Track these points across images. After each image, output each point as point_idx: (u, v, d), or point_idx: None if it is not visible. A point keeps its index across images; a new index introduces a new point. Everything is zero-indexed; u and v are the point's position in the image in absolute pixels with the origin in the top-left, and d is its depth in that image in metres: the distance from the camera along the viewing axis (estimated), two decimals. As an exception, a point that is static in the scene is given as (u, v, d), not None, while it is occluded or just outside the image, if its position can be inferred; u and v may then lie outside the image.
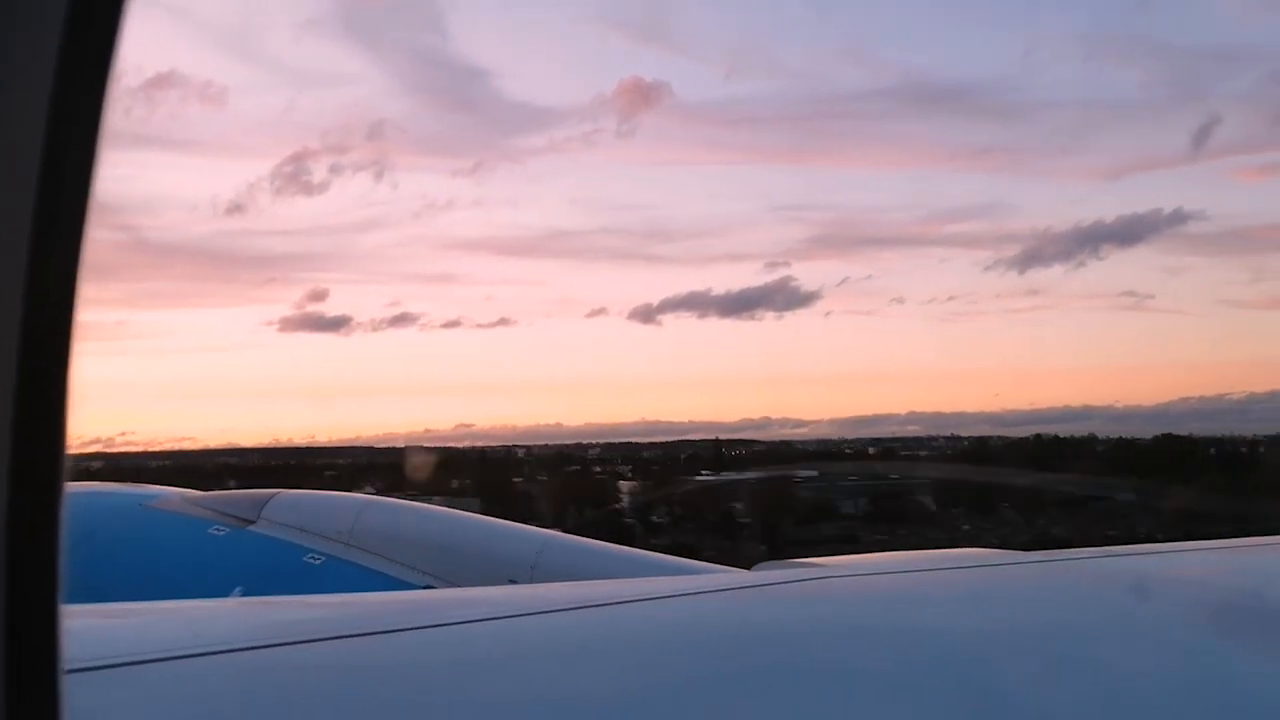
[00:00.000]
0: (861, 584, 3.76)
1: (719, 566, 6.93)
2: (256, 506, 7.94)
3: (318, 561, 7.30)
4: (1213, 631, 3.18)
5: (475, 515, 8.37)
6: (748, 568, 5.00)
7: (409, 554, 7.22)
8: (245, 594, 6.54)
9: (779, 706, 2.41)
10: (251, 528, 7.79)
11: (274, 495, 8.11)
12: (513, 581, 6.68)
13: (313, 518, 7.72)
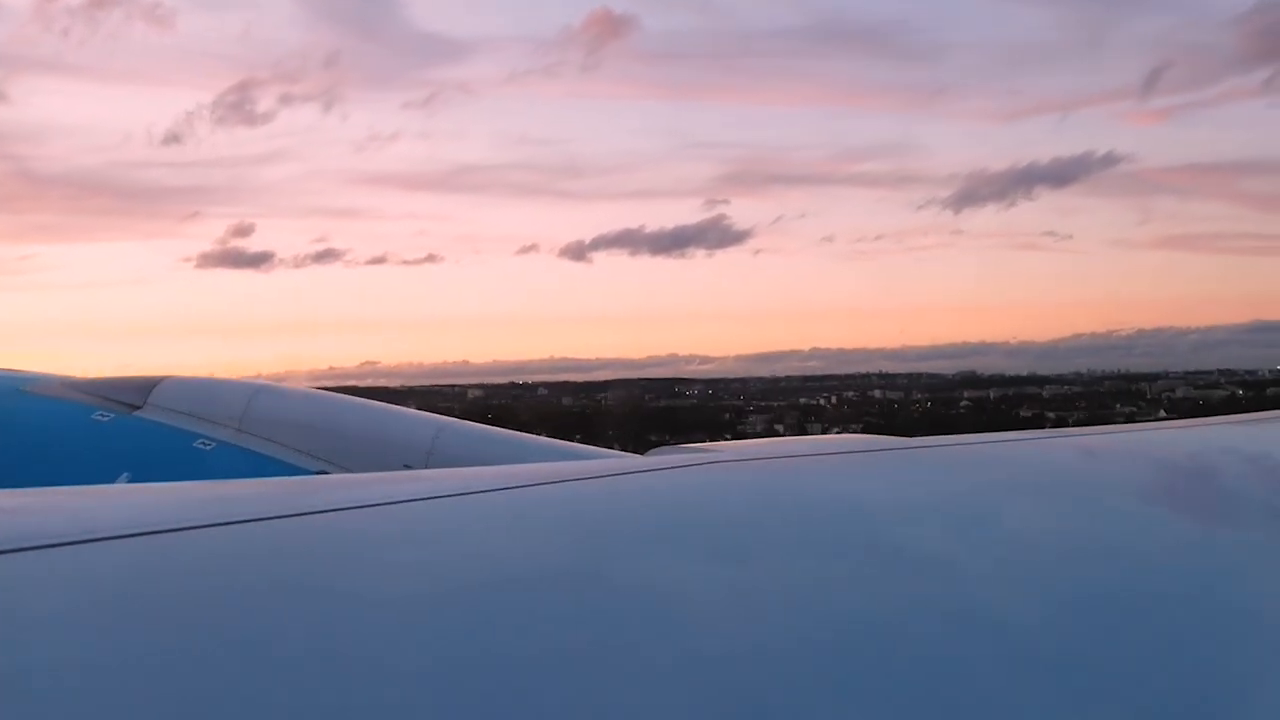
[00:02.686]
0: (756, 469, 3.87)
1: (615, 452, 7.03)
2: (142, 391, 7.70)
3: (208, 448, 7.15)
4: (1061, 514, 3.40)
5: (371, 401, 8.27)
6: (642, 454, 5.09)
7: (303, 440, 7.13)
8: (132, 481, 6.39)
9: (682, 589, 2.48)
10: (137, 413, 7.56)
11: (161, 379, 7.86)
12: (408, 466, 6.67)
13: (203, 403, 7.52)
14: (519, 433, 8.02)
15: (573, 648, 2.20)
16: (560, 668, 2.13)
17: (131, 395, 7.70)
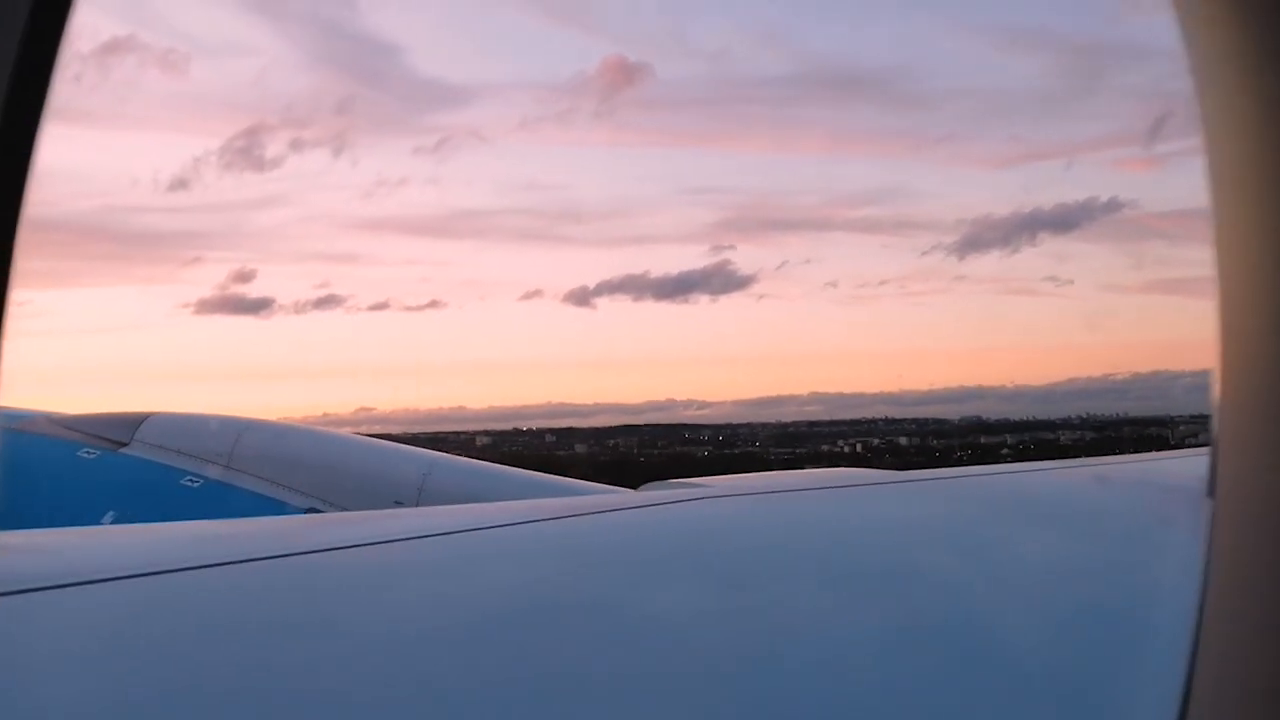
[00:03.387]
0: (746, 503, 3.88)
1: (607, 487, 7.00)
2: (129, 427, 7.63)
3: (195, 485, 7.09)
4: (1064, 543, 3.44)
5: (360, 437, 8.23)
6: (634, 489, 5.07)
7: (292, 476, 7.07)
8: (118, 520, 6.33)
9: (672, 624, 2.46)
10: (124, 450, 7.49)
11: (148, 416, 7.80)
12: (399, 503, 6.62)
13: (190, 439, 7.46)
14: (508, 467, 7.97)
15: (571, 679, 2.18)
16: (558, 698, 2.11)
17: (118, 432, 7.63)
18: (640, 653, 2.23)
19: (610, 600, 2.53)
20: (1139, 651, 2.24)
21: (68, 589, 2.17)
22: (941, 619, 2.56)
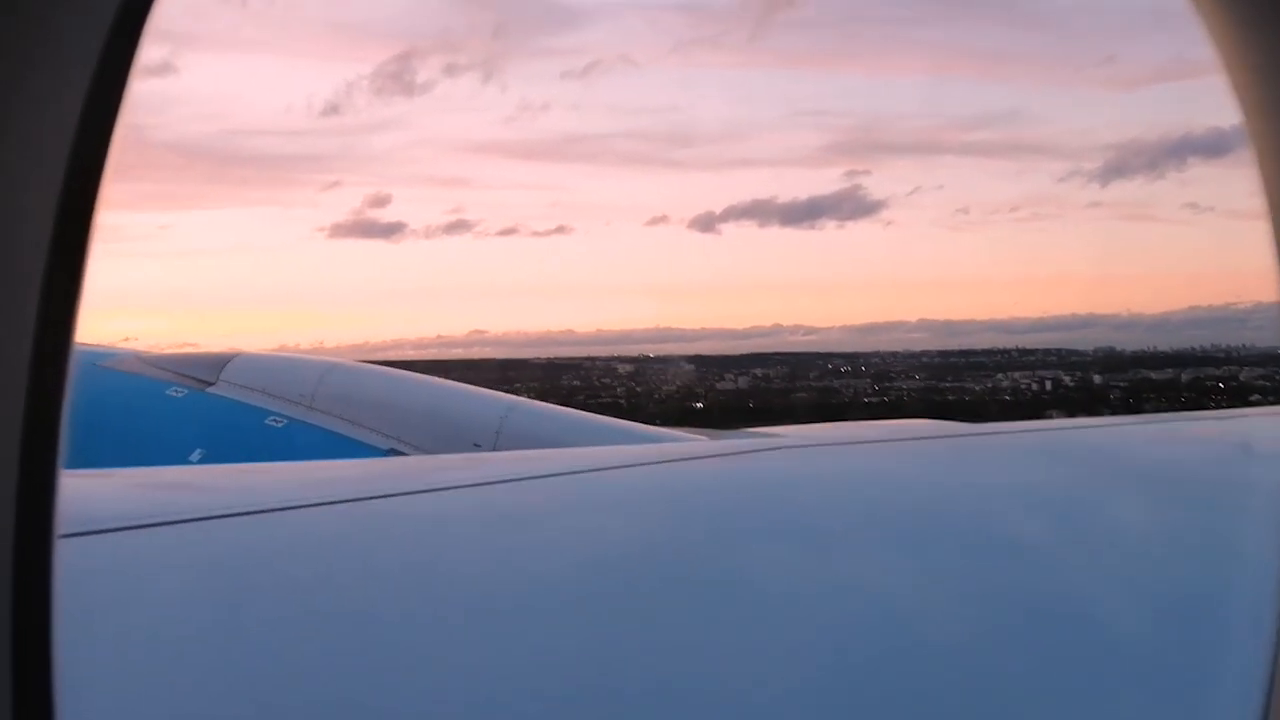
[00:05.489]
0: (821, 453, 3.81)
1: (686, 434, 6.93)
2: (215, 368, 7.77)
3: (279, 425, 7.20)
4: (1147, 501, 3.31)
5: (441, 380, 8.27)
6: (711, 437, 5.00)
7: (373, 418, 7.13)
8: (204, 458, 6.45)
9: (754, 567, 2.39)
10: (210, 389, 7.63)
11: (234, 356, 7.93)
12: (477, 446, 6.64)
13: (274, 380, 7.57)
14: (586, 413, 7.96)
15: (671, 635, 2.13)
16: (660, 654, 2.06)
17: (205, 372, 7.78)
18: (701, 610, 2.15)
19: (683, 552, 2.47)
20: (1230, 633, 2.11)
21: (158, 528, 2.17)
22: (1021, 589, 2.44)
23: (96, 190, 0.95)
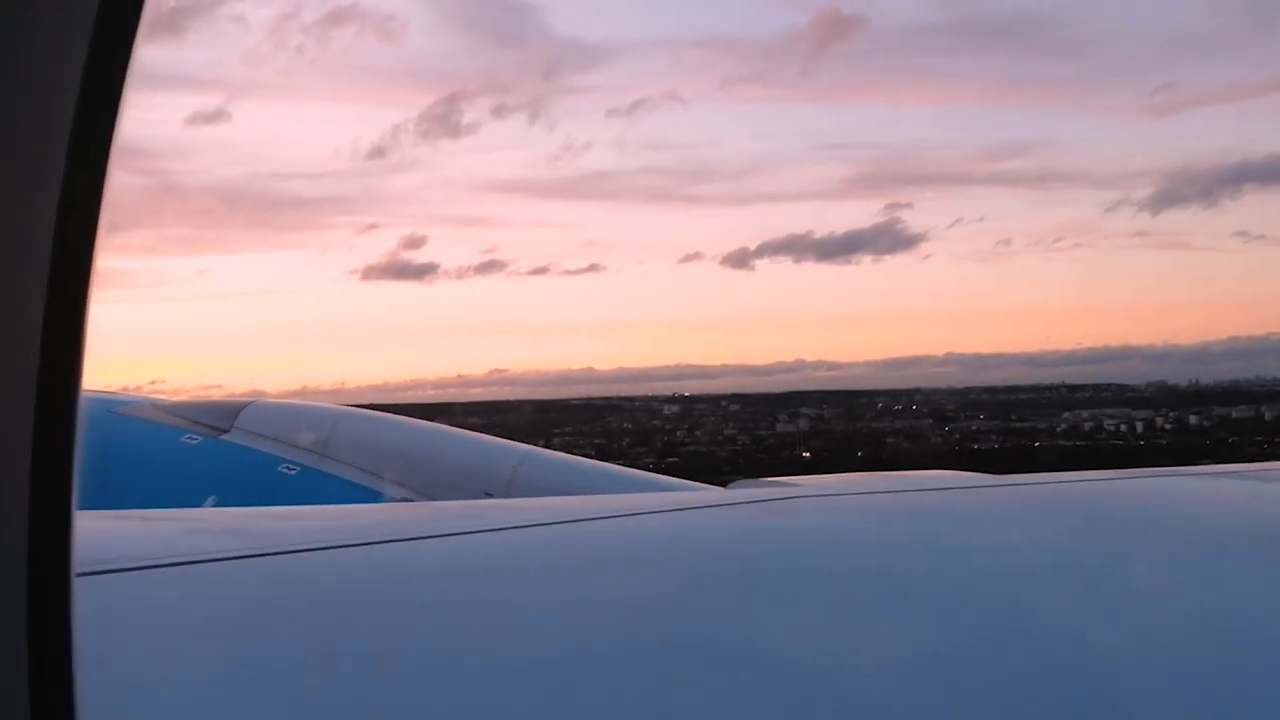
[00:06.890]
0: (834, 504, 3.78)
1: (696, 484, 6.94)
2: (230, 415, 7.84)
3: (292, 472, 7.24)
4: (1178, 557, 3.22)
5: (452, 428, 8.32)
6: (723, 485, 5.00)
7: (385, 466, 7.18)
8: (218, 504, 6.49)
9: (757, 623, 2.39)
10: (225, 437, 7.70)
11: (249, 403, 8.00)
12: (489, 495, 6.66)
13: (287, 428, 7.63)
14: (598, 462, 7.98)
15: (658, 689, 2.12)
16: (663, 699, 2.06)
17: (219, 419, 7.85)
18: (705, 661, 2.15)
19: (696, 602, 2.47)
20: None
21: (167, 569, 2.19)
22: (1054, 652, 2.38)
23: (94, 235, 0.95)
